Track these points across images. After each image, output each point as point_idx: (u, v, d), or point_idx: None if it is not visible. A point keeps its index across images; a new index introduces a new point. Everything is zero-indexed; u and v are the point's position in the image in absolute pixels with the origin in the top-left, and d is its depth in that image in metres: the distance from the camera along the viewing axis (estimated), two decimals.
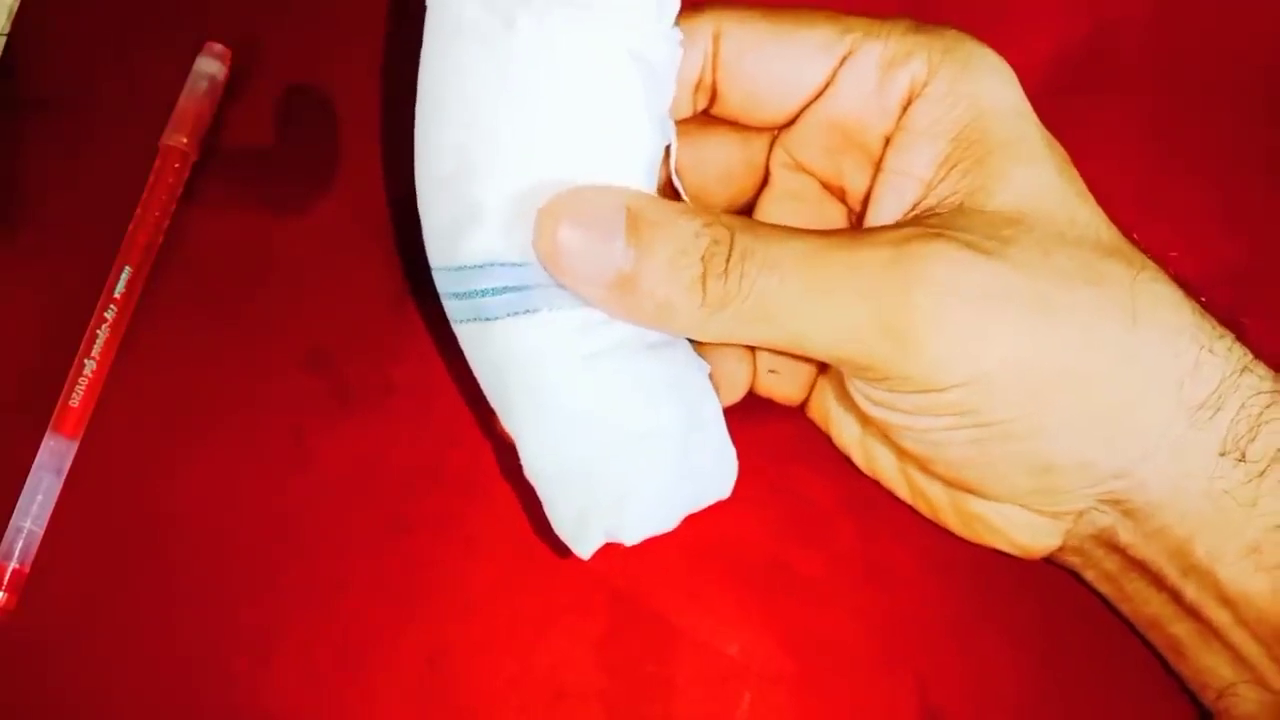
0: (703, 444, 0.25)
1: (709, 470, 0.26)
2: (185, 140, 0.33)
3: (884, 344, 0.23)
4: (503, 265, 0.23)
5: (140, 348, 0.32)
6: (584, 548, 0.25)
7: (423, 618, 0.30)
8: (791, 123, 0.27)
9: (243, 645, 0.30)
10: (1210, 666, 0.26)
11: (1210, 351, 0.24)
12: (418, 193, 0.25)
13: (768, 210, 0.29)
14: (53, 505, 0.31)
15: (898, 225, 0.25)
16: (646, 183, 0.24)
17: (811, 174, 0.28)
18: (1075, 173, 0.25)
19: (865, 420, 0.27)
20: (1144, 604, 0.27)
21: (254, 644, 0.30)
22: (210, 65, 0.34)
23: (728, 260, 0.23)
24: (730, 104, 0.27)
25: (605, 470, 0.24)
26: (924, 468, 0.27)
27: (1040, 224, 0.24)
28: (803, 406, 0.31)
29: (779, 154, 0.28)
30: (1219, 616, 0.25)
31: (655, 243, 0.23)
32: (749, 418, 0.28)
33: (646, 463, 0.24)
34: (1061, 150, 0.26)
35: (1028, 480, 0.25)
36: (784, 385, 0.30)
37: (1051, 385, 0.24)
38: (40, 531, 0.30)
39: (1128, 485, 0.25)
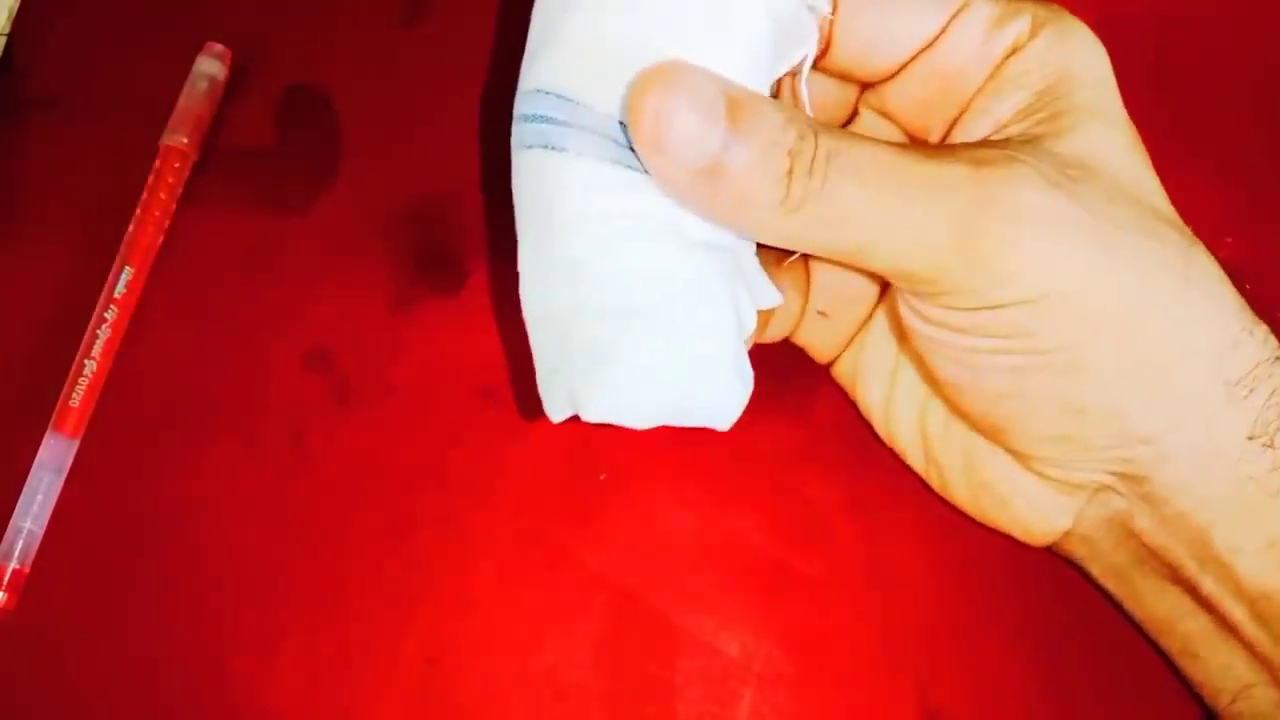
0: (702, 358, 0.23)
1: (704, 390, 0.24)
2: (185, 140, 0.33)
3: (953, 256, 0.23)
4: (550, 94, 0.23)
5: (140, 348, 0.32)
6: (552, 409, 0.24)
7: (423, 618, 0.30)
8: (890, 77, 0.27)
9: (243, 645, 0.30)
10: (1224, 666, 0.26)
11: (1250, 334, 0.24)
12: (531, 17, 0.24)
13: None
14: (53, 505, 0.31)
15: (974, 146, 0.25)
16: (744, 76, 0.23)
17: (899, 123, 0.28)
18: (1145, 151, 0.26)
19: (909, 343, 0.27)
20: (1154, 601, 0.27)
21: (254, 644, 0.30)
22: (210, 65, 0.34)
23: (813, 159, 0.22)
24: (842, 56, 0.26)
25: (587, 330, 0.23)
26: (955, 403, 0.27)
27: (1105, 175, 0.24)
28: (828, 367, 0.31)
29: (870, 98, 0.28)
30: (1236, 612, 0.25)
31: (750, 130, 0.22)
32: (749, 418, 0.28)
33: (626, 341, 0.23)
34: (1136, 131, 0.26)
35: (1058, 421, 0.25)
36: (826, 334, 0.30)
37: (1103, 322, 0.24)
38: (40, 531, 0.30)
39: (1151, 457, 0.24)
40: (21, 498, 0.30)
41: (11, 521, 0.30)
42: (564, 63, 0.23)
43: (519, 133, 0.23)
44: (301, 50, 0.35)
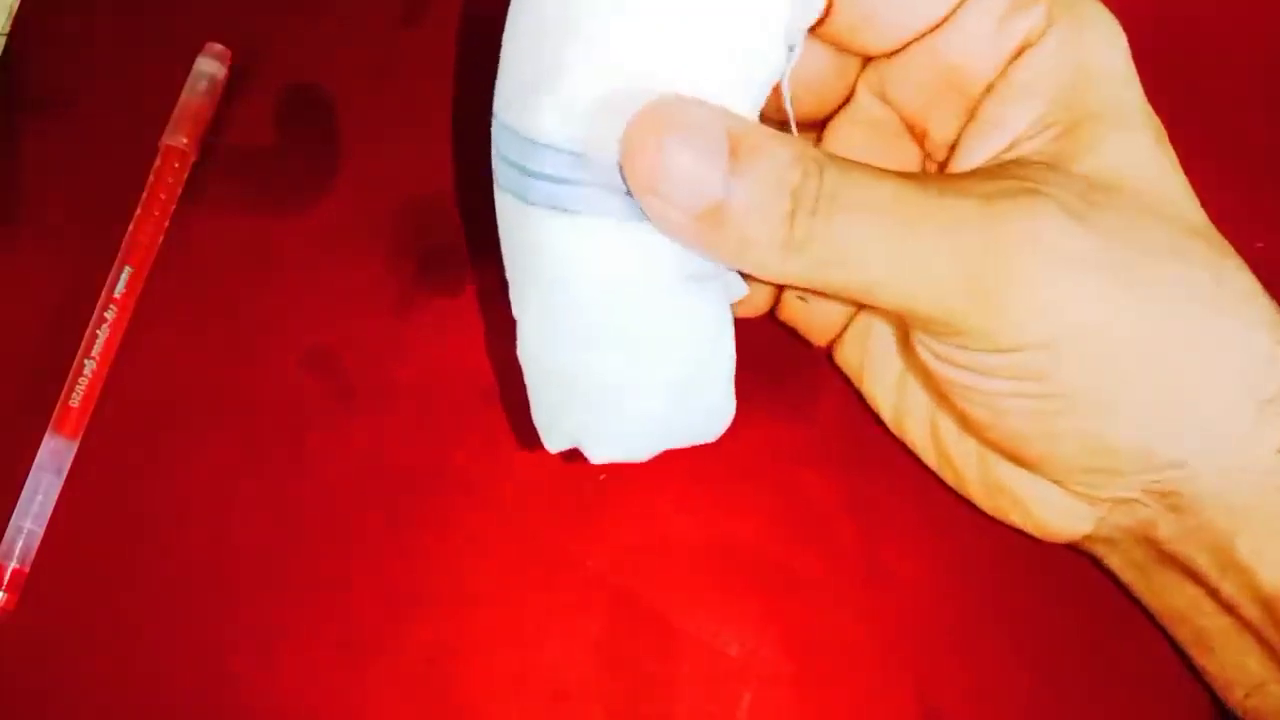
0: (702, 388, 0.24)
1: (699, 415, 0.24)
2: (185, 140, 0.33)
3: (964, 299, 0.22)
4: (560, 151, 0.21)
5: (140, 348, 0.32)
6: (552, 442, 0.24)
7: (423, 617, 0.30)
8: (892, 55, 0.26)
9: (243, 645, 0.30)
10: (1239, 663, 0.26)
11: None
12: (506, 23, 0.23)
13: (841, 131, 0.28)
14: (53, 505, 0.31)
15: (986, 174, 0.24)
16: (751, 106, 0.22)
17: (897, 109, 0.27)
18: (1170, 149, 0.25)
19: (928, 379, 0.26)
20: (1171, 596, 0.27)
21: (254, 643, 0.30)
22: (210, 65, 0.34)
23: (816, 199, 0.21)
24: (841, 23, 0.25)
25: (590, 379, 0.23)
26: (981, 434, 0.26)
27: (1129, 193, 0.23)
28: (829, 352, 0.30)
29: (870, 78, 0.27)
30: (1253, 613, 0.25)
31: (752, 172, 0.21)
32: (750, 418, 0.28)
33: (633, 391, 0.23)
34: (1159, 123, 0.25)
35: (1085, 459, 0.24)
36: (816, 311, 0.29)
37: (1127, 360, 0.23)
38: (40, 531, 0.30)
39: (1183, 476, 0.24)
40: (21, 498, 0.30)
41: (11, 521, 0.30)
42: (568, 108, 0.21)
43: (518, 183, 0.22)
44: (301, 50, 0.35)
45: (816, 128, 0.28)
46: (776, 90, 0.23)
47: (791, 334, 0.31)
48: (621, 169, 0.21)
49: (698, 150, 0.20)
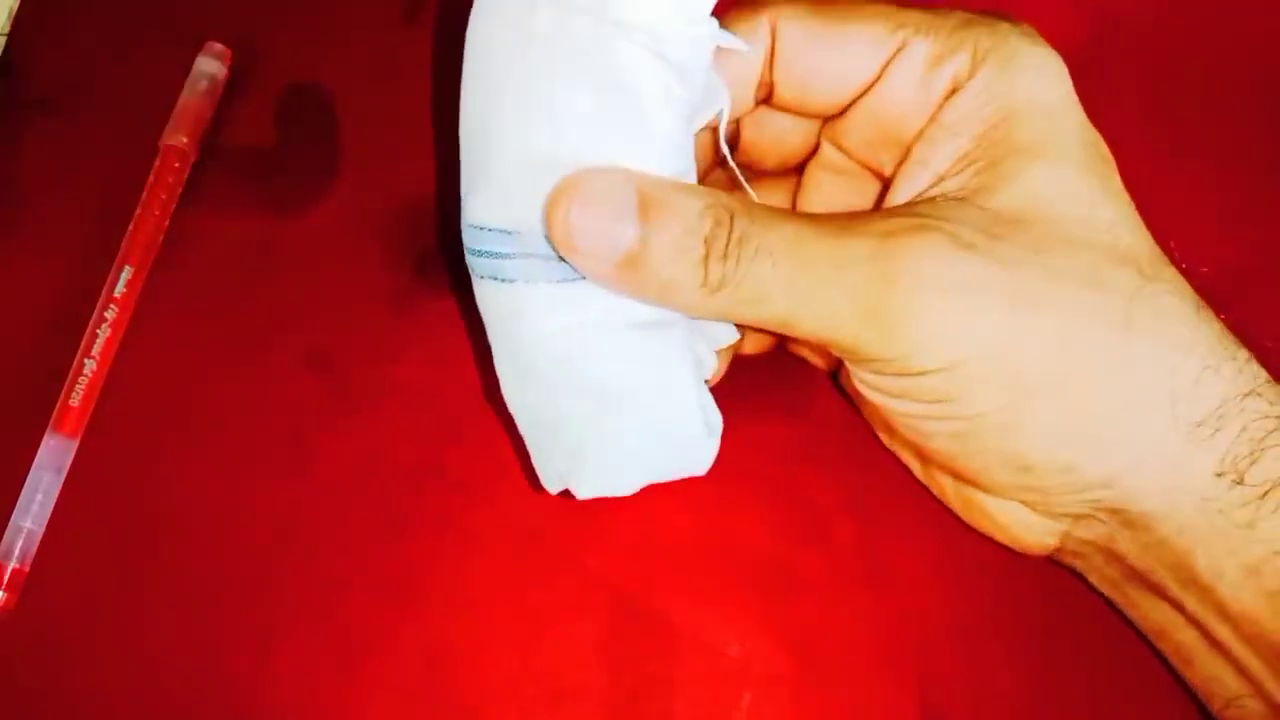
0: (670, 422, 0.26)
1: (678, 448, 0.26)
2: (185, 140, 0.33)
3: (865, 329, 0.24)
4: (491, 230, 0.24)
5: (140, 348, 0.32)
6: (548, 484, 0.26)
7: (422, 617, 0.30)
8: (841, 113, 0.28)
9: (243, 645, 0.30)
10: (1215, 677, 0.26)
11: (1215, 371, 0.24)
12: (460, 128, 0.26)
13: (814, 175, 0.30)
14: (53, 505, 0.31)
15: (888, 213, 0.25)
16: (669, 163, 0.24)
17: (852, 157, 0.29)
18: (1110, 174, 0.25)
19: (863, 405, 0.28)
20: (1149, 611, 0.27)
21: (254, 644, 0.30)
22: (210, 65, 0.34)
23: (726, 244, 0.23)
24: (785, 96, 0.27)
25: (567, 426, 0.25)
26: (920, 454, 0.28)
27: (1043, 223, 0.24)
28: (835, 376, 0.31)
29: (828, 132, 0.29)
30: (1221, 631, 0.25)
31: (662, 223, 0.23)
32: (751, 418, 0.28)
33: (604, 430, 0.25)
34: (1103, 150, 0.25)
35: (1010, 477, 0.25)
36: (814, 349, 0.31)
37: (1028, 382, 0.24)
38: (40, 531, 0.30)
39: (1119, 495, 0.25)
40: (21, 497, 0.30)
41: (11, 521, 0.30)
42: (496, 197, 0.24)
43: (474, 263, 0.25)
44: (301, 50, 0.35)
45: (795, 172, 0.30)
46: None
47: (801, 362, 0.31)
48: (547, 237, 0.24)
49: (597, 209, 0.23)
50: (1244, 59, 0.35)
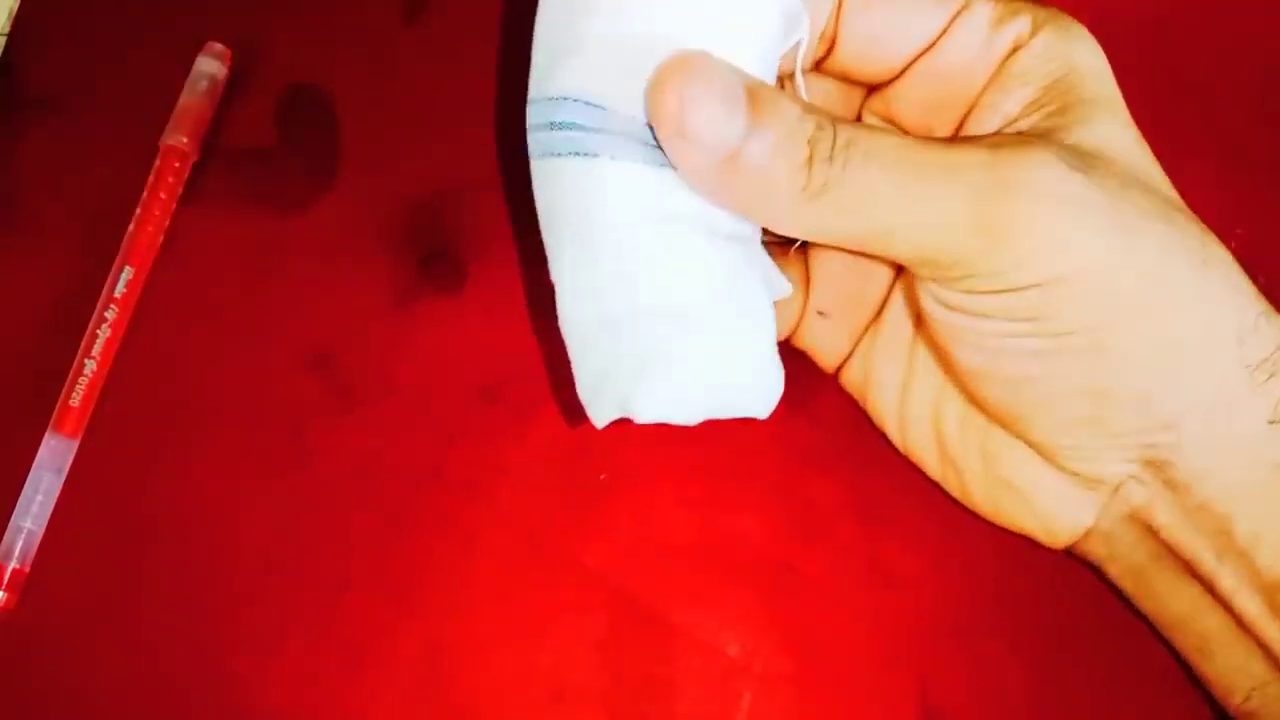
0: (747, 348, 0.24)
1: (747, 380, 0.25)
2: (185, 140, 0.33)
3: (974, 237, 0.23)
4: (578, 101, 0.23)
5: (140, 348, 0.32)
6: (598, 414, 0.24)
7: (422, 616, 0.30)
8: (894, 79, 0.27)
9: (243, 645, 0.30)
10: (1239, 665, 0.26)
11: (1267, 318, 0.25)
12: (536, 22, 0.24)
13: None
14: (53, 505, 0.31)
15: (991, 135, 0.25)
16: (759, 72, 0.24)
17: (903, 127, 0.28)
18: (1149, 148, 0.26)
19: (929, 330, 0.27)
20: (1171, 599, 0.27)
21: (254, 644, 0.30)
22: (210, 65, 0.34)
23: (833, 147, 0.23)
24: (846, 54, 0.27)
25: (634, 334, 0.23)
26: (976, 391, 0.27)
27: (1119, 165, 0.25)
28: (836, 375, 0.31)
29: (873, 104, 0.29)
30: (1252, 606, 0.25)
31: (768, 122, 0.22)
32: (751, 417, 0.28)
33: (678, 340, 0.23)
34: (1137, 129, 0.26)
35: (1081, 405, 0.25)
36: (828, 336, 0.30)
37: (1124, 304, 0.24)
38: (40, 531, 0.30)
39: (1174, 441, 0.25)
40: (21, 497, 0.30)
41: (11, 521, 0.30)
42: (589, 68, 0.23)
43: (545, 141, 0.23)
44: (301, 50, 0.35)
45: None
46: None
47: (805, 360, 0.31)
48: (646, 120, 0.22)
49: (719, 98, 0.22)
50: (1244, 59, 0.35)
